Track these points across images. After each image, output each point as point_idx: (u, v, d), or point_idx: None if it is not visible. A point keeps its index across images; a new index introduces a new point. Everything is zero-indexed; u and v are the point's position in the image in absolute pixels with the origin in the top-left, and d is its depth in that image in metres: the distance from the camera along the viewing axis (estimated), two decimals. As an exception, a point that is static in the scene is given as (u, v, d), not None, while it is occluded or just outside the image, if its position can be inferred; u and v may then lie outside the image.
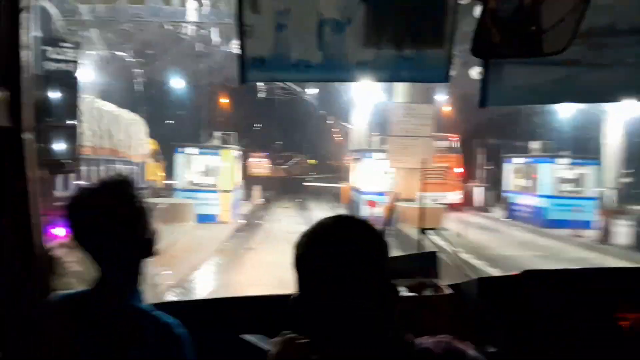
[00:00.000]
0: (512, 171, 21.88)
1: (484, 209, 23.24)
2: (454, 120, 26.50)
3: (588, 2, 1.55)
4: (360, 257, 1.00)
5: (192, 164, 18.02)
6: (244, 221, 18.14)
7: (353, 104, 25.11)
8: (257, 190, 25.26)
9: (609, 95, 2.16)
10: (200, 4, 16.01)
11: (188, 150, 18.26)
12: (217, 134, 19.67)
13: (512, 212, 20.92)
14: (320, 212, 20.08)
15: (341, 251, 0.99)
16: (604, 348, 1.66)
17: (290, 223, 17.15)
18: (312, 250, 1.02)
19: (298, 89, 25.44)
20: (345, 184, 24.28)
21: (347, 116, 27.25)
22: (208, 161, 18.01)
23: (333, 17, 1.97)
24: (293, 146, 39.39)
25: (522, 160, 21.21)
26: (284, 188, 31.49)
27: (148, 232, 1.41)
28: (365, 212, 15.93)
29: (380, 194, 16.73)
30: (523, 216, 19.96)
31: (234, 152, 18.95)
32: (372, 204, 15.72)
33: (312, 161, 40.03)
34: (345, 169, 25.77)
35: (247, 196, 23.58)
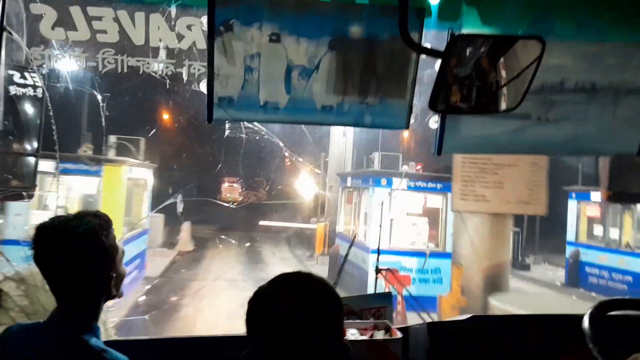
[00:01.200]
0: (581, 212, 14.00)
1: (520, 264, 15.99)
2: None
3: (539, 62, 1.67)
4: (314, 319, 1.01)
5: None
6: (143, 297, 10.37)
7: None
8: (185, 232, 16.63)
9: (557, 149, 2.31)
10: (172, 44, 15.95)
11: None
12: (112, 139, 11.53)
13: (581, 276, 13.47)
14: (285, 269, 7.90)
15: (295, 312, 1.00)
16: None
17: (234, 299, 9.59)
18: (264, 309, 1.02)
19: (265, 129, 24.49)
20: (322, 223, 16.58)
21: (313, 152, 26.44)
22: (77, 185, 10.16)
23: (301, 64, 2.05)
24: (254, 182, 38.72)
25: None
26: (233, 222, 22.30)
27: (110, 270, 1.40)
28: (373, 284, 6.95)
29: (414, 253, 10.73)
30: (605, 285, 12.66)
31: (134, 171, 11.49)
32: (398, 277, 7.76)
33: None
34: (318, 204, 19.19)
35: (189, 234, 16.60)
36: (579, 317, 1.67)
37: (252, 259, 15.92)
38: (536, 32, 1.72)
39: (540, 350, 1.85)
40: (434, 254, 10.83)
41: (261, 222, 22.14)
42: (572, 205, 14.11)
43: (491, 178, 7.80)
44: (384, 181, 11.17)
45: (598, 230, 13.68)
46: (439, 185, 11.05)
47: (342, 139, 17.20)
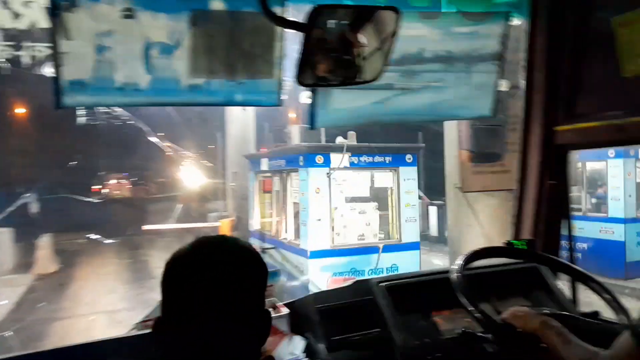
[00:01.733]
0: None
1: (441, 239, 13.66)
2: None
3: (396, 34, 1.73)
4: (239, 284, 0.96)
5: None
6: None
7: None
8: (44, 248, 12.58)
9: (420, 116, 2.44)
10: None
11: None
12: None
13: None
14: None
15: (218, 275, 0.95)
16: (426, 344, 1.84)
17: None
18: (183, 273, 0.96)
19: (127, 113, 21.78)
20: (226, 220, 14.09)
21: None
22: None
23: (160, 41, 1.92)
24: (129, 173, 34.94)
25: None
26: (110, 224, 17.83)
27: None
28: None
29: (365, 250, 8.43)
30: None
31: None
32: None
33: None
34: (218, 193, 16.66)
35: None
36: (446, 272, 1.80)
37: (138, 275, 11.97)
38: (393, 3, 1.77)
39: (416, 307, 1.96)
40: (388, 247, 8.56)
41: (145, 227, 17.15)
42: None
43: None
44: (319, 159, 8.36)
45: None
46: (387, 159, 8.83)
47: (242, 115, 14.20)
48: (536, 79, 2.37)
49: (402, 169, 8.87)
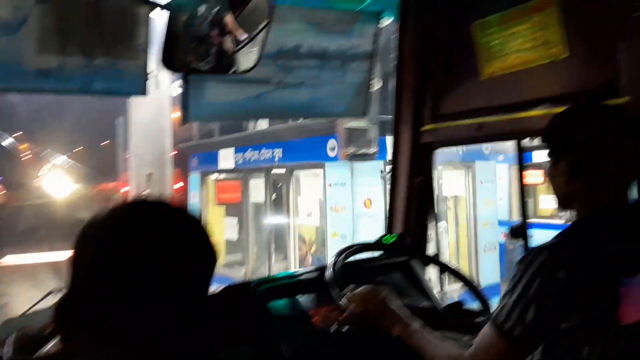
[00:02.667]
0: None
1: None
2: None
3: (270, 25, 1.68)
4: (178, 262, 0.76)
5: None
6: None
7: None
8: None
9: (296, 112, 2.43)
10: None
11: None
12: None
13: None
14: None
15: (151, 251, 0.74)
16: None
17: None
18: (107, 245, 0.75)
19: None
20: None
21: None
22: None
23: (1, 16, 1.66)
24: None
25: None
26: None
27: None
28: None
29: None
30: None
31: None
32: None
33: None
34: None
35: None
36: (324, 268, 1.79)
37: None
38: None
39: (295, 309, 1.92)
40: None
41: (4, 261, 10.34)
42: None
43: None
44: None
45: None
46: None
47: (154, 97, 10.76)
48: (405, 79, 2.48)
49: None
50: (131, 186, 9.64)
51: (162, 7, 1.47)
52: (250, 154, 7.37)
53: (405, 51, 2.44)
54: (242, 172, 7.64)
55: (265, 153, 7.01)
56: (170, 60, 1.52)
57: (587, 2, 1.82)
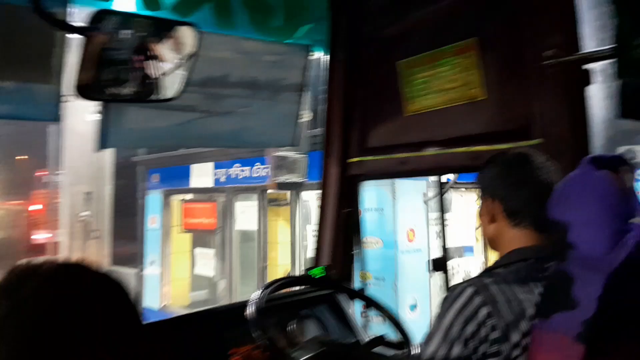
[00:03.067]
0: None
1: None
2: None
3: (197, 53, 1.64)
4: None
5: None
6: None
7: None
8: None
9: (224, 141, 2.38)
10: None
11: None
12: None
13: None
14: None
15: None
16: None
17: None
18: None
19: None
20: None
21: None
22: None
23: None
24: None
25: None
26: None
27: None
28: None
29: None
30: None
31: None
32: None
33: None
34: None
35: None
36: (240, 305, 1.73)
37: None
38: (195, 21, 1.68)
39: (213, 345, 1.85)
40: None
41: None
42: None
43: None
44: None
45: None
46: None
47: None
48: (333, 113, 2.50)
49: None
50: (63, 206, 8.72)
51: (80, 29, 1.40)
52: (236, 171, 6.01)
53: (333, 85, 2.48)
54: (225, 191, 6.24)
55: (260, 169, 5.41)
56: (85, 87, 1.43)
57: (504, 49, 1.93)
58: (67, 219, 8.89)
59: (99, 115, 1.94)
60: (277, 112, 2.37)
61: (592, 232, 1.13)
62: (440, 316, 1.15)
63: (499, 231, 1.29)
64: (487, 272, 1.23)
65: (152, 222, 7.51)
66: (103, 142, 1.90)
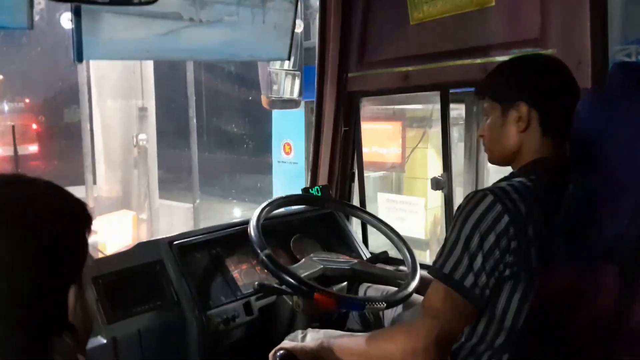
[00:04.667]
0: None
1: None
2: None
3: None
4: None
5: None
6: None
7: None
8: None
9: (213, 53, 2.20)
10: None
11: None
12: None
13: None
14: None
15: None
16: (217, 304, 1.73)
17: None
18: None
19: None
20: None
21: None
22: None
23: None
24: None
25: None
26: None
27: None
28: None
29: None
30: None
31: None
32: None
33: None
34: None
35: None
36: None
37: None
38: None
39: (214, 264, 1.82)
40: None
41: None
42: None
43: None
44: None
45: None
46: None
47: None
48: (330, 24, 2.32)
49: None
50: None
51: None
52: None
53: (330, -8, 2.28)
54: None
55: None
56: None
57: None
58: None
59: (71, 24, 1.75)
60: (269, 21, 2.17)
61: (630, 153, 1.05)
62: (459, 225, 1.07)
63: (526, 140, 1.18)
64: (507, 179, 1.16)
65: (285, 150, 6.16)
66: (79, 53, 1.72)
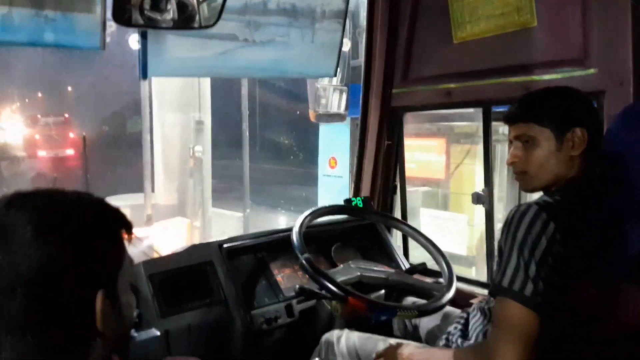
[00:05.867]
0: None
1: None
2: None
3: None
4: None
5: None
6: None
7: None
8: None
9: (264, 71, 2.34)
10: None
11: None
12: None
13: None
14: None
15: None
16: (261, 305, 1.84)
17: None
18: None
19: None
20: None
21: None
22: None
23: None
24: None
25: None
26: None
27: None
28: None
29: None
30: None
31: None
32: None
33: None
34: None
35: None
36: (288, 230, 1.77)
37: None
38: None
39: (259, 268, 1.93)
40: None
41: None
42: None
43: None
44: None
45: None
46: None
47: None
48: (376, 42, 2.42)
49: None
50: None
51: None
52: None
53: (375, 11, 2.37)
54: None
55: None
56: (123, 14, 1.42)
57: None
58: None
59: (138, 44, 1.93)
60: (318, 41, 2.30)
61: None
62: (510, 237, 1.11)
63: (567, 160, 1.23)
64: (546, 196, 1.20)
65: (331, 164, 6.19)
66: (144, 71, 1.90)
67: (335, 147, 6.26)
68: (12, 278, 0.63)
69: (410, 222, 2.40)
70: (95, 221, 0.72)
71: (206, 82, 7.79)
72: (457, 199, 5.51)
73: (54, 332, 0.65)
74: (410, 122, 2.44)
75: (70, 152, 13.64)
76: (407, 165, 2.52)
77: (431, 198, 5.81)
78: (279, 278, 1.96)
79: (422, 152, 5.52)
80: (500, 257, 1.14)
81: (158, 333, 1.61)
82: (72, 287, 0.65)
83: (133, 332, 1.63)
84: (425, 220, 4.71)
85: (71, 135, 14.16)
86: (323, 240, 2.15)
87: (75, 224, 0.68)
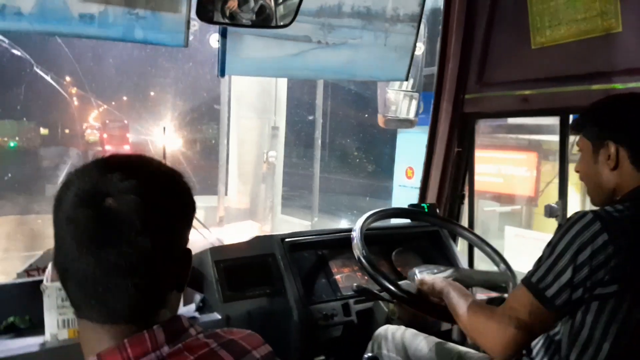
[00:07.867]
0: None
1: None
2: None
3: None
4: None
5: None
6: None
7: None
8: None
9: (336, 73, 2.38)
10: None
11: None
12: None
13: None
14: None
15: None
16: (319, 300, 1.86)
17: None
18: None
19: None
20: None
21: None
22: None
23: (49, -40, 1.69)
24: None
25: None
26: None
27: None
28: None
29: None
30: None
31: None
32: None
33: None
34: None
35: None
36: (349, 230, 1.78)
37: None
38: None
39: (319, 265, 1.95)
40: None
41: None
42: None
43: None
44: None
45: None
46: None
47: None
48: (450, 45, 2.39)
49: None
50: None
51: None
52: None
53: (451, 16, 2.35)
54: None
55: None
56: (206, 11, 1.51)
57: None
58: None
59: (218, 43, 2.04)
60: (390, 44, 2.30)
61: None
62: (556, 240, 1.10)
63: (619, 177, 1.20)
64: (612, 205, 1.15)
65: (408, 174, 5.96)
66: (222, 69, 2.00)
67: (413, 157, 5.92)
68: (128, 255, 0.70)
69: (493, 242, 2.34)
70: (189, 202, 0.81)
71: (282, 88, 8.01)
72: (543, 218, 5.21)
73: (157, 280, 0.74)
74: (494, 132, 2.39)
75: (126, 147, 17.28)
76: (491, 180, 2.46)
77: (515, 217, 5.54)
78: (337, 277, 1.97)
79: (509, 166, 5.09)
80: (542, 255, 1.13)
81: (219, 317, 1.68)
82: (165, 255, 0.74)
83: (197, 314, 1.71)
84: (511, 239, 4.43)
85: (127, 135, 18.29)
86: (385, 244, 2.14)
87: (174, 206, 0.77)
